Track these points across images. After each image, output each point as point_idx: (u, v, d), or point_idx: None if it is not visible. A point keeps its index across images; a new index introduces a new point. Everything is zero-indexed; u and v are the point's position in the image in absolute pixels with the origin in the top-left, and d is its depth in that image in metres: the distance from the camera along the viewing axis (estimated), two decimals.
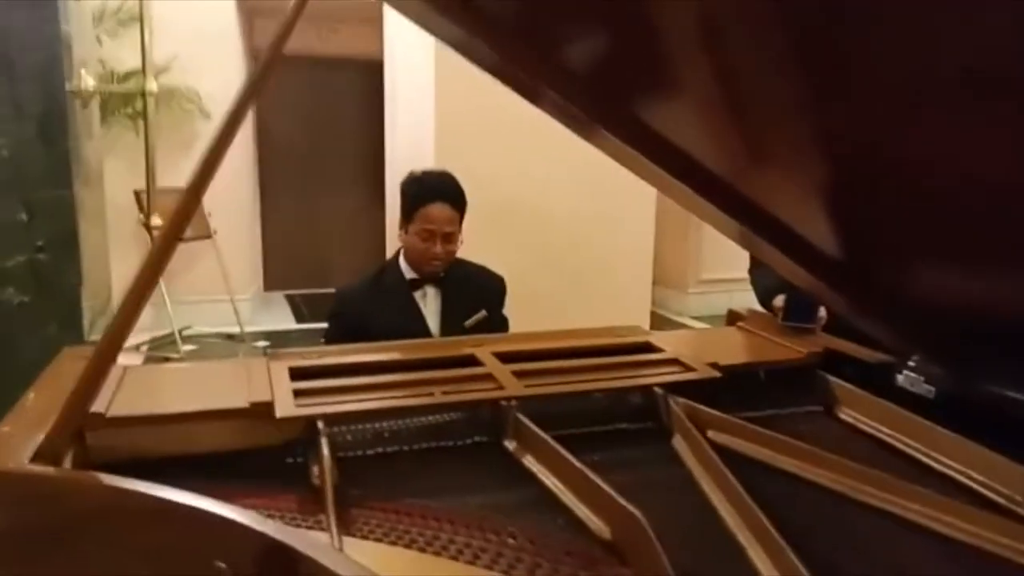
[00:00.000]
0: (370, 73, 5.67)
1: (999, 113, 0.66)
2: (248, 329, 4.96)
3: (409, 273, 1.94)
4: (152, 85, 3.10)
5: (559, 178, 3.49)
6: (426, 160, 3.31)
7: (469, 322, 1.84)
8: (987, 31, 0.57)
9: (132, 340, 4.82)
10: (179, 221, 0.93)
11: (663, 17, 0.81)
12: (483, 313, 1.83)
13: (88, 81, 2.52)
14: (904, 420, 1.19)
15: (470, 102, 3.23)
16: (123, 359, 1.18)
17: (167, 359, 4.28)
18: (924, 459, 1.12)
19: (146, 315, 4.78)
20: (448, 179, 1.94)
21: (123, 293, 0.92)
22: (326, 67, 6.06)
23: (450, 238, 1.90)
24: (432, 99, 3.33)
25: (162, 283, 4.47)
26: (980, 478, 1.04)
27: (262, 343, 4.90)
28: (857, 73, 0.72)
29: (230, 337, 4.89)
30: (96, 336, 3.51)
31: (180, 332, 4.53)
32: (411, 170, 2.03)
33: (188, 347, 4.60)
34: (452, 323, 1.87)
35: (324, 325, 2.04)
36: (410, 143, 3.93)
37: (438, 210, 1.88)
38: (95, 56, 4.05)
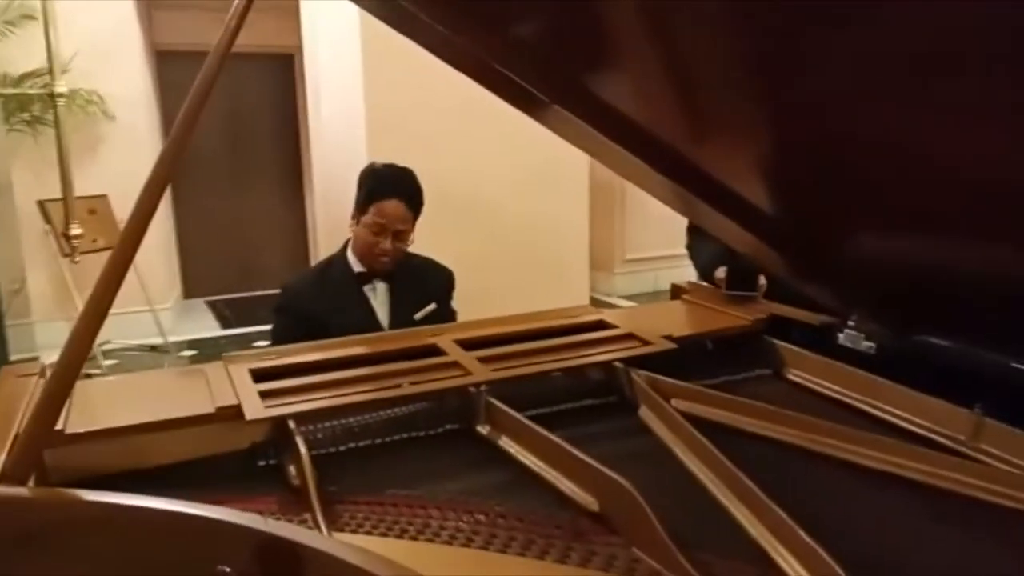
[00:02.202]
0: (283, 65, 5.52)
1: (934, 83, 0.71)
2: (172, 339, 4.77)
3: (357, 266, 1.91)
4: (61, 87, 2.92)
5: (494, 167, 3.50)
6: (357, 154, 3.26)
7: (419, 315, 1.83)
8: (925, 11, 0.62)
9: (49, 358, 4.52)
10: (135, 230, 0.90)
11: None
12: (433, 306, 1.83)
13: None
14: (849, 376, 1.26)
15: (400, 92, 3.19)
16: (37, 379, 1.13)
17: (88, 375, 4.07)
18: (872, 411, 1.19)
19: (61, 331, 4.54)
20: (408, 176, 1.92)
21: (40, 302, 0.88)
22: (236, 60, 5.85)
23: (401, 236, 1.88)
24: (361, 90, 3.26)
25: (76, 297, 4.27)
26: (925, 423, 1.11)
27: (188, 352, 4.73)
28: (801, 43, 0.76)
29: (153, 348, 4.69)
30: (18, 351, 3.32)
31: (99, 347, 4.31)
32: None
33: (109, 362, 4.39)
34: (402, 316, 1.86)
35: (252, 329, 1.99)
36: (338, 136, 3.85)
37: (392, 207, 1.86)
38: None
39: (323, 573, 0.67)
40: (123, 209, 4.45)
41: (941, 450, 1.04)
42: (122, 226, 3.53)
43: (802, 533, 0.78)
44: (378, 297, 1.93)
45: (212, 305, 5.92)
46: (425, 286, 1.96)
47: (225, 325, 5.40)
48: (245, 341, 4.72)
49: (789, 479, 0.98)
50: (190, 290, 6.01)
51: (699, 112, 1.03)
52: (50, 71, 3.09)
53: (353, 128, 3.41)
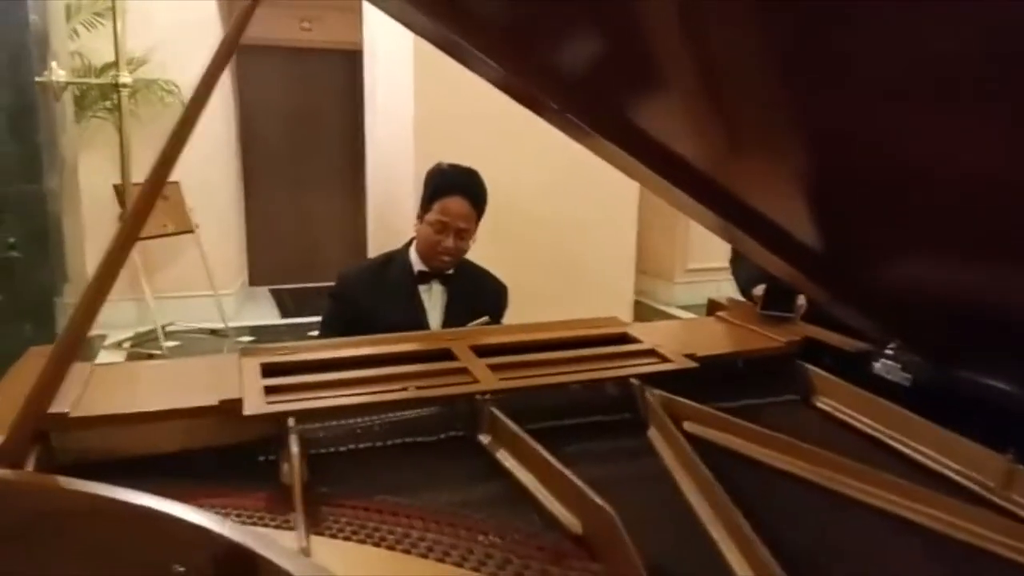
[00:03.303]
0: (352, 63, 5.62)
1: (977, 113, 0.66)
2: (232, 324, 4.92)
3: (418, 265, 1.93)
4: (125, 77, 3.05)
5: (540, 171, 3.47)
6: (406, 155, 3.28)
7: (471, 325, 1.82)
8: (964, 36, 0.57)
9: (115, 336, 4.76)
10: (138, 215, 0.91)
11: (650, 19, 0.80)
12: (485, 319, 1.82)
13: (59, 73, 2.48)
14: (880, 408, 1.19)
15: (449, 95, 3.20)
16: (106, 357, 1.17)
17: (150, 356, 4.24)
18: (900, 448, 1.12)
19: (128, 311, 4.76)
20: (473, 176, 1.93)
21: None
22: (307, 57, 6.00)
23: (463, 234, 1.89)
24: (411, 92, 3.29)
25: (144, 279, 4.45)
26: (956, 466, 1.03)
27: (246, 338, 4.87)
28: (838, 72, 0.72)
29: (214, 332, 4.85)
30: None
31: (163, 328, 4.48)
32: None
33: (171, 343, 4.56)
34: (453, 322, 1.86)
35: (309, 319, 2.04)
36: (389, 137, 3.89)
37: (456, 204, 1.87)
38: (70, 48, 3.99)
39: None
40: (195, 196, 4.62)
41: (968, 495, 0.97)
42: (192, 213, 3.66)
43: None
44: (433, 299, 1.94)
45: (275, 293, 6.09)
46: (481, 296, 1.96)
47: (284, 313, 5.54)
48: (302, 329, 4.84)
49: (795, 514, 0.93)
50: (255, 278, 6.20)
51: (735, 140, 1.00)
52: (116, 61, 3.22)
53: (402, 130, 3.44)
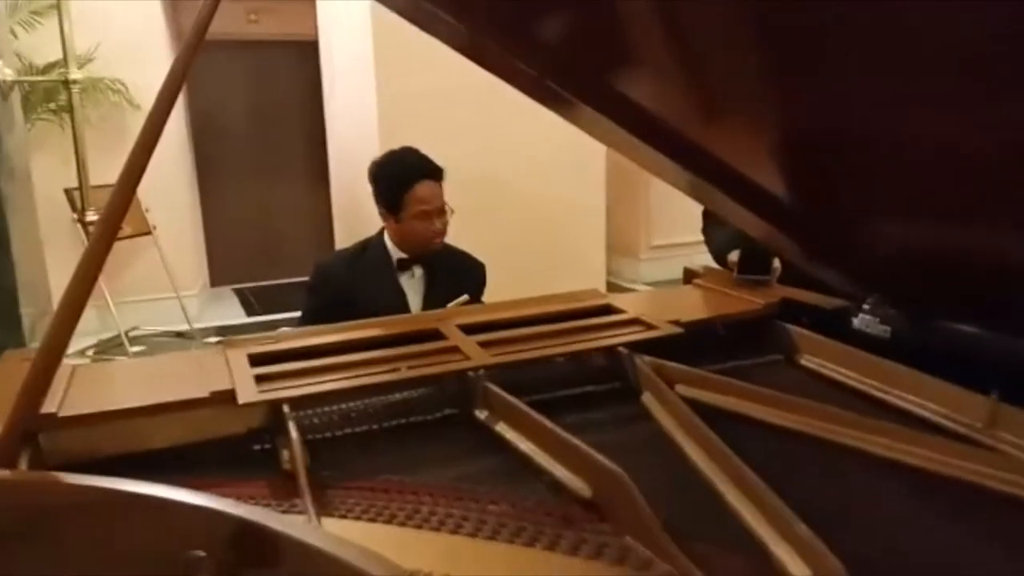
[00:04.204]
0: (308, 54, 5.53)
1: (948, 76, 0.68)
2: (197, 326, 4.83)
3: (397, 253, 1.91)
4: (75, 73, 2.95)
5: (507, 154, 3.47)
6: (370, 144, 3.25)
7: (451, 305, 1.81)
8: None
9: (77, 345, 4.64)
10: (114, 214, 0.89)
11: None
12: (465, 297, 1.81)
13: (5, 72, 2.39)
14: (863, 361, 1.22)
15: (412, 82, 3.18)
16: (69, 363, 1.14)
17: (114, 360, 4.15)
18: (885, 397, 1.15)
19: (90, 318, 4.63)
20: (419, 155, 1.91)
21: (62, 293, 0.88)
22: (259, 50, 5.88)
23: (443, 210, 1.88)
24: (372, 79, 3.25)
25: (103, 284, 4.34)
26: (941, 411, 1.07)
27: (213, 339, 4.78)
28: (814, 32, 0.73)
29: (180, 335, 4.76)
30: (39, 338, 3.36)
31: (127, 333, 4.38)
32: (376, 158, 1.98)
33: (136, 348, 4.45)
34: (434, 304, 1.85)
35: (277, 316, 2.01)
36: (352, 127, 3.84)
37: (427, 189, 1.86)
38: (11, 49, 3.85)
39: (299, 560, 0.65)
40: (148, 197, 4.51)
41: (956, 437, 1.00)
42: (148, 214, 3.56)
43: (801, 525, 0.75)
44: (413, 283, 1.93)
45: (239, 292, 5.98)
46: (460, 277, 1.95)
47: (250, 312, 5.45)
48: (270, 328, 4.73)
49: (794, 468, 0.95)
50: (217, 277, 6.08)
51: (713, 100, 1.01)
52: (64, 58, 3.12)
53: (365, 118, 3.40)
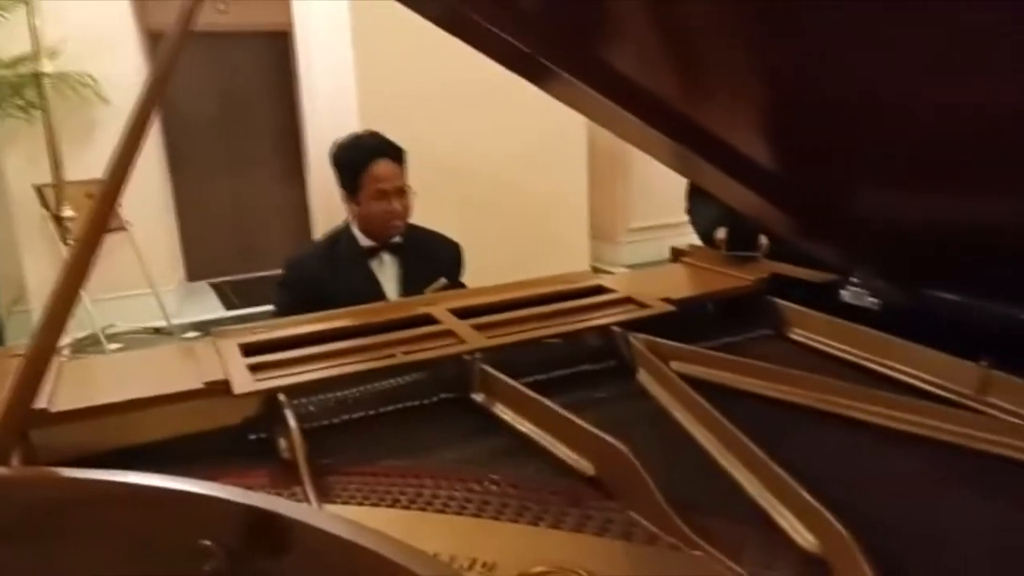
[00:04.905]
0: (279, 45, 5.45)
1: (938, 42, 0.68)
2: (176, 321, 4.76)
3: (364, 241, 1.89)
4: (46, 66, 2.88)
5: (489, 139, 3.45)
6: (351, 129, 3.22)
7: (429, 289, 1.79)
8: None
9: None
10: (103, 208, 0.88)
11: None
12: (443, 280, 1.80)
13: None
14: (853, 333, 1.23)
15: (392, 70, 3.14)
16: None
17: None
18: (877, 367, 1.16)
19: None
20: (378, 136, 1.90)
21: (39, 289, 0.87)
22: (229, 41, 5.78)
23: (403, 192, 1.86)
24: (352, 69, 3.22)
25: None
26: (932, 379, 1.08)
27: (192, 334, 4.72)
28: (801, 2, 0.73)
29: (158, 331, 4.69)
30: (14, 335, 3.30)
31: (103, 331, 4.31)
32: (335, 140, 1.96)
33: (114, 346, 4.38)
34: (411, 289, 1.83)
35: (255, 310, 1.99)
36: (331, 117, 3.80)
37: (383, 168, 1.84)
38: None
39: (309, 545, 0.65)
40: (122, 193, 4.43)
41: (947, 404, 1.01)
42: (121, 210, 3.48)
43: (804, 493, 0.76)
44: (385, 271, 1.91)
45: (216, 287, 5.91)
46: (433, 260, 1.94)
47: (229, 306, 5.39)
48: (249, 322, 4.70)
49: (791, 438, 0.96)
50: (193, 272, 5.99)
51: (701, 69, 1.00)
52: (34, 52, 3.04)
53: (345, 106, 3.36)
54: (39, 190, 4.09)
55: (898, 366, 1.14)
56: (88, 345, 4.35)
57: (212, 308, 5.42)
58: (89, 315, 4.28)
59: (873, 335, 1.19)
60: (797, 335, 1.33)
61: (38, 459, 0.94)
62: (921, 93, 0.79)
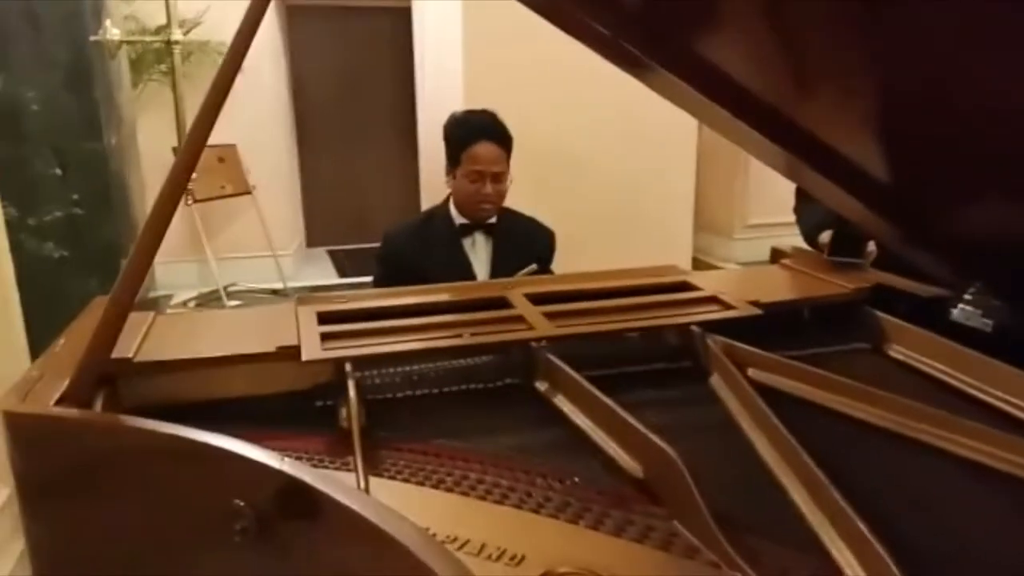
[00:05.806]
0: (401, 21, 5.56)
1: None
2: (291, 284, 5.01)
3: (459, 219, 1.91)
4: (177, 34, 3.07)
5: (593, 124, 3.39)
6: (456, 108, 3.25)
7: (520, 274, 1.78)
8: None
9: (180, 296, 4.89)
10: (179, 174, 0.91)
11: None
12: (533, 266, 1.79)
13: (112, 32, 2.51)
14: (960, 355, 1.12)
15: (498, 49, 3.14)
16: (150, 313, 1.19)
17: None
18: (981, 395, 1.06)
19: (192, 272, 4.89)
20: (491, 117, 1.90)
21: (166, 245, 0.92)
22: (356, 16, 5.96)
23: (499, 178, 1.86)
24: (460, 46, 3.24)
25: (205, 240, 4.56)
26: None
27: None
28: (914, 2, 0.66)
29: (275, 292, 4.95)
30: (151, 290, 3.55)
31: (225, 288, 4.59)
32: (452, 112, 1.98)
33: (233, 303, 4.67)
34: (501, 272, 1.84)
35: (366, 279, 2.04)
36: (439, 94, 3.86)
37: (485, 149, 1.84)
38: (124, 12, 4.05)
39: (335, 521, 0.66)
40: (249, 158, 4.69)
41: None
42: (249, 176, 3.69)
43: (862, 525, 0.69)
44: (478, 251, 1.92)
45: (332, 254, 6.16)
46: (526, 244, 1.93)
47: (342, 274, 5.61)
48: (359, 290, 4.88)
49: (866, 465, 0.89)
50: (312, 239, 6.28)
51: (807, 71, 0.94)
52: (167, 21, 3.25)
53: (452, 85, 3.40)
54: (176, 152, 4.39)
55: (1007, 397, 1.03)
56: (212, 300, 4.65)
57: (327, 274, 5.66)
58: (213, 272, 4.57)
59: (981, 360, 1.08)
60: (896, 352, 1.23)
61: (122, 407, 1.00)
62: None
